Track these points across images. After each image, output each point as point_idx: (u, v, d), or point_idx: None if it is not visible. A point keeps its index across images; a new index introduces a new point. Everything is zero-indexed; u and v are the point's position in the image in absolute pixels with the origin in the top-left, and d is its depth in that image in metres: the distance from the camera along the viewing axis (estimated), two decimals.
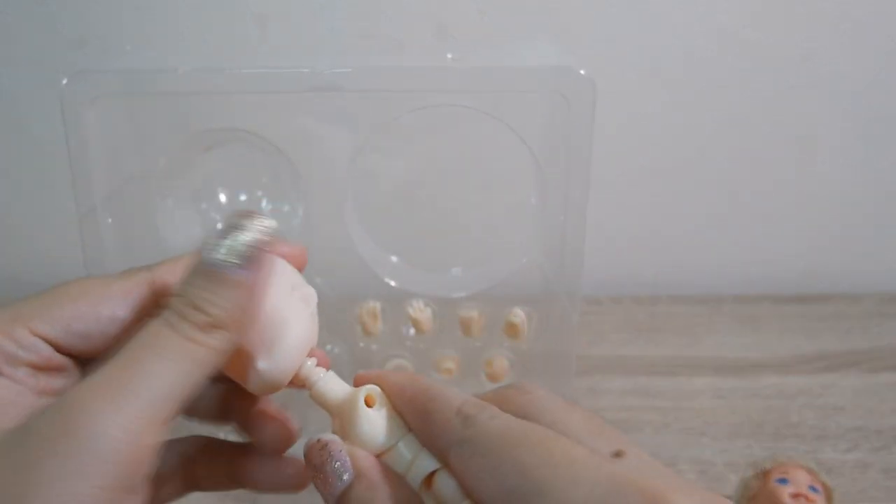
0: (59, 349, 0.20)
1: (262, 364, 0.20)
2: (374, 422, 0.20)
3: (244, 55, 0.46)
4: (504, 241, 0.37)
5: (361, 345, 0.35)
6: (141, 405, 0.17)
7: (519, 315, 0.34)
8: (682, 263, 0.56)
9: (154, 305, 0.20)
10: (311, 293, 0.22)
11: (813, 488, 0.31)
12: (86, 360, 0.20)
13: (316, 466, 0.20)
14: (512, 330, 0.35)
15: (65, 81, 0.27)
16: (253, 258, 0.19)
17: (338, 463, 0.19)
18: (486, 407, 0.19)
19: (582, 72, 0.27)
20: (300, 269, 0.22)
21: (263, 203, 0.35)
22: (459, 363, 0.36)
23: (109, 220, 0.30)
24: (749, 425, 0.41)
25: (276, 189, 0.34)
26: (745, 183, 0.54)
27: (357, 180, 0.32)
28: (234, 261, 0.19)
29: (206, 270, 0.19)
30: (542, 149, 0.29)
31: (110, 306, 0.20)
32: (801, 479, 0.32)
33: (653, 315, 0.52)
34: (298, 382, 0.22)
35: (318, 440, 0.20)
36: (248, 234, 0.19)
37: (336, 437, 0.20)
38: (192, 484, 0.24)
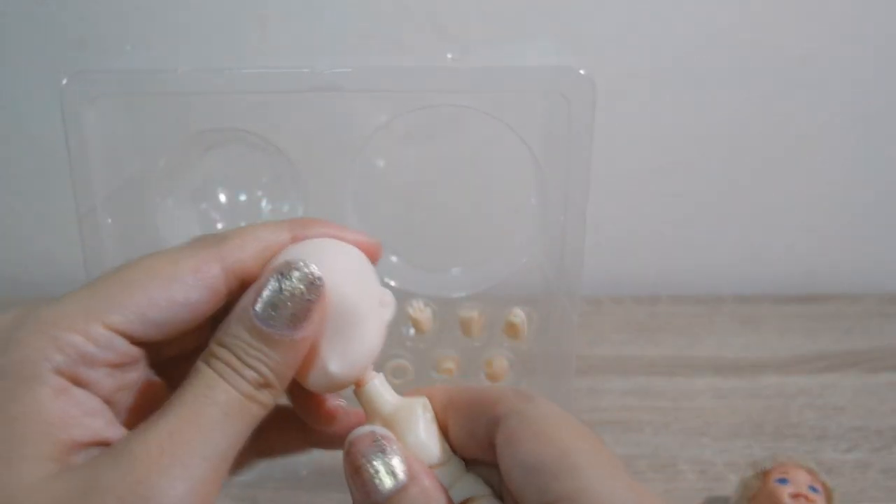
0: (132, 340, 0.18)
1: (335, 367, 0.19)
2: (430, 432, 0.20)
3: (244, 55, 0.46)
4: (504, 241, 0.37)
5: None
6: (205, 463, 0.17)
7: (519, 315, 0.34)
8: (682, 263, 0.56)
9: (226, 287, 0.19)
10: (390, 298, 0.21)
11: (813, 488, 0.31)
12: (155, 347, 0.19)
13: (363, 462, 0.18)
14: (512, 330, 0.35)
15: (65, 81, 0.27)
16: (300, 316, 0.18)
17: (393, 460, 0.18)
18: (540, 395, 0.19)
19: (582, 72, 0.27)
20: (374, 261, 0.22)
21: (263, 203, 0.35)
22: (459, 363, 0.36)
23: (109, 220, 0.30)
24: (749, 425, 0.41)
25: (276, 189, 0.34)
26: (745, 183, 0.54)
27: (357, 180, 0.32)
28: (282, 320, 0.18)
29: (255, 327, 0.18)
30: (542, 149, 0.29)
31: (183, 290, 0.19)
32: (801, 480, 0.32)
33: (653, 315, 0.52)
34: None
35: (372, 432, 0.19)
36: (296, 287, 0.18)
37: (390, 433, 0.19)
38: (266, 452, 0.23)
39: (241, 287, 0.19)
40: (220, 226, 0.34)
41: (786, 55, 0.50)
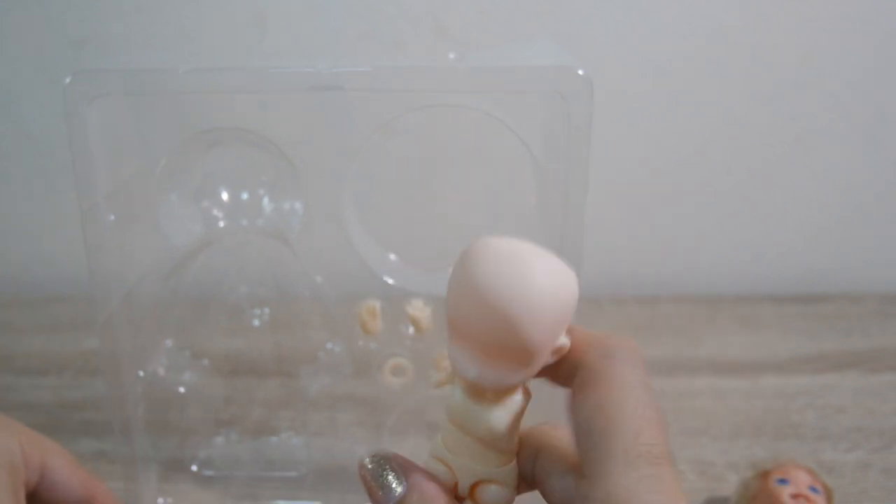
0: None
1: (473, 375, 0.20)
2: (506, 422, 0.21)
3: (244, 55, 0.46)
4: None
5: (361, 343, 0.35)
6: None
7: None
8: (682, 263, 0.56)
9: None
10: (565, 350, 0.21)
11: (813, 489, 0.31)
12: None
13: (371, 481, 0.21)
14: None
15: (67, 80, 0.27)
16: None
17: (390, 476, 0.21)
18: (629, 354, 0.21)
19: (581, 72, 0.27)
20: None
21: (265, 201, 0.35)
22: None
23: (111, 218, 0.30)
24: (749, 425, 0.41)
25: (276, 187, 0.35)
26: (744, 183, 0.54)
27: (357, 180, 0.32)
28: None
29: None
30: (542, 149, 0.30)
31: None
32: (801, 480, 0.32)
33: (653, 315, 0.52)
34: None
35: (373, 455, 0.22)
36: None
37: (391, 453, 0.22)
38: None
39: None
40: (221, 224, 0.34)
41: (786, 55, 0.50)
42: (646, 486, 0.18)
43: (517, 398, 0.21)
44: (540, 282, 0.19)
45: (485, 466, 0.21)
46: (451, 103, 0.29)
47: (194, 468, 0.37)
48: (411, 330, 0.34)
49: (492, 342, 0.19)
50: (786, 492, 0.31)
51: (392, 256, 0.35)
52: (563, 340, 0.20)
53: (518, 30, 0.49)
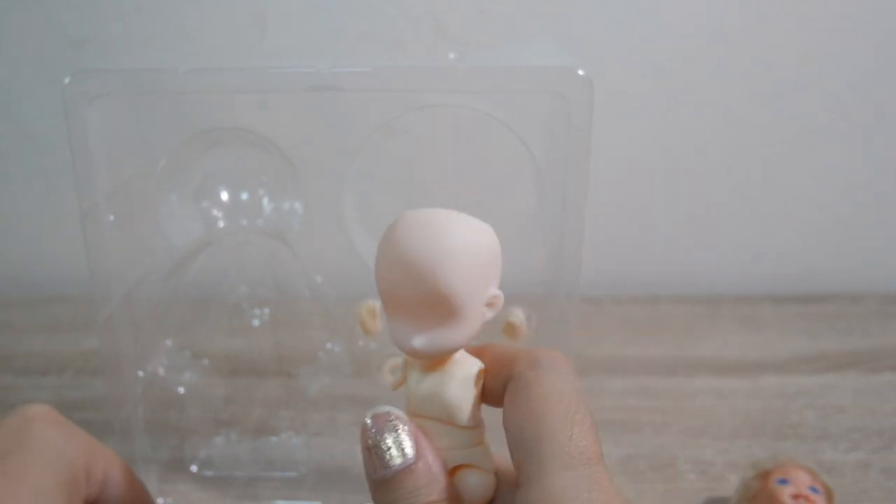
0: None
1: (417, 344, 0.20)
2: (465, 394, 0.21)
3: (244, 55, 0.46)
4: (503, 241, 0.37)
5: (361, 343, 0.35)
6: None
7: (518, 315, 0.34)
8: (682, 263, 0.57)
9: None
10: (500, 302, 0.22)
11: (813, 489, 0.31)
12: None
13: (378, 439, 0.20)
14: (511, 330, 0.35)
15: (67, 80, 0.27)
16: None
17: (404, 439, 0.20)
18: (557, 363, 0.20)
19: (581, 72, 0.27)
20: None
21: (265, 201, 0.35)
22: None
23: (111, 218, 0.30)
24: (749, 425, 0.41)
25: (276, 187, 0.35)
26: (744, 182, 0.54)
27: (357, 180, 0.32)
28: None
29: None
30: (541, 149, 0.30)
31: None
32: (801, 480, 0.32)
33: (653, 315, 0.52)
34: None
35: (388, 412, 0.20)
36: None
37: (403, 414, 0.21)
38: None
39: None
40: (221, 224, 0.35)
41: (786, 55, 0.50)
42: (583, 485, 0.18)
43: (468, 368, 0.21)
44: (453, 232, 0.20)
45: (455, 449, 0.21)
46: (451, 103, 0.29)
47: (194, 468, 0.37)
48: None
49: (421, 301, 0.20)
50: (786, 492, 0.31)
51: None
52: (495, 292, 0.21)
53: (518, 30, 0.49)
